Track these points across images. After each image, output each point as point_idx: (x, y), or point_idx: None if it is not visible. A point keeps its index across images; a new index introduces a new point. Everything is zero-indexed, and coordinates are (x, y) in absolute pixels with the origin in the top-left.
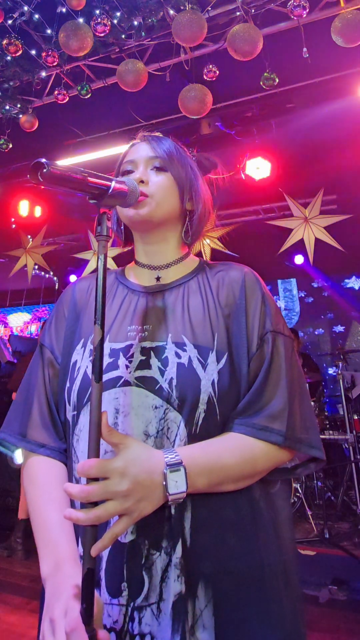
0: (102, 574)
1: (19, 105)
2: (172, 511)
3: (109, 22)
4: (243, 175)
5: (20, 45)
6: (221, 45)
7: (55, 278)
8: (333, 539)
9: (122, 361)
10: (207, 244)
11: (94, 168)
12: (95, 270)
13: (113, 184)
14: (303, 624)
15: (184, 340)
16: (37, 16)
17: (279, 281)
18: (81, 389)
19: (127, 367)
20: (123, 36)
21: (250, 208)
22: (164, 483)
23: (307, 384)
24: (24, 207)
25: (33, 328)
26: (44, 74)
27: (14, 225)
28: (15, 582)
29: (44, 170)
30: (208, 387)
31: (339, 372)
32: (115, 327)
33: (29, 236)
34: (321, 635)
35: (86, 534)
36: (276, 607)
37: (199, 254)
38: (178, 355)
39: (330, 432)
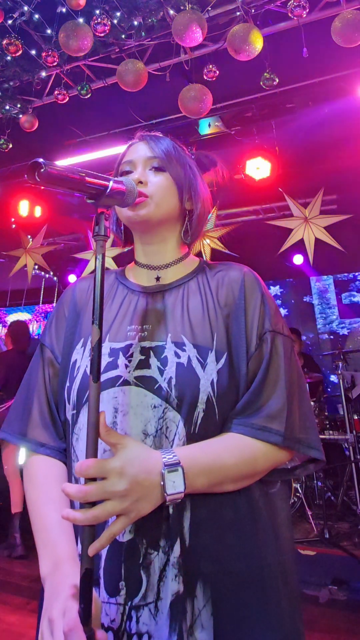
0: (101, 572)
1: (19, 105)
2: (171, 511)
3: (109, 22)
4: (243, 175)
5: (20, 45)
6: (221, 45)
7: (55, 278)
8: (333, 539)
9: (121, 360)
10: (207, 244)
11: (94, 168)
12: (95, 270)
13: (111, 184)
14: (302, 624)
15: (183, 340)
16: (37, 16)
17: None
18: (81, 388)
19: (126, 366)
20: (123, 36)
21: (250, 208)
22: (162, 483)
23: (308, 384)
24: (24, 207)
25: (33, 328)
26: (44, 74)
27: (14, 225)
28: (15, 582)
29: (42, 170)
30: (207, 387)
31: (339, 372)
32: (115, 327)
33: (29, 236)
34: (321, 635)
35: (84, 533)
36: (275, 607)
37: (199, 254)
38: (177, 355)
39: (330, 432)
